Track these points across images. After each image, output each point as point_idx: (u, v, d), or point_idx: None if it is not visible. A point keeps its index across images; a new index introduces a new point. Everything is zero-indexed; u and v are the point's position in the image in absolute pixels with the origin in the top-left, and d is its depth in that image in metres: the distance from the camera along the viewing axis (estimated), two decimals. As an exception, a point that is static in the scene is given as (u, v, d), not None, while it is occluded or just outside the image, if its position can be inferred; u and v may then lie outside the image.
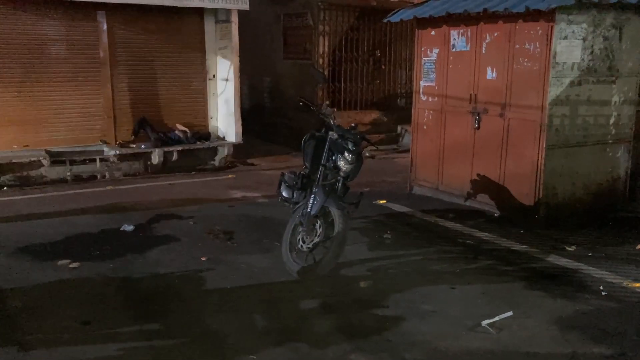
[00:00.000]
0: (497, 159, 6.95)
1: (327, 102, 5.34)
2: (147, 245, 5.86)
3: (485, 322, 4.20)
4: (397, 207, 7.31)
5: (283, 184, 5.62)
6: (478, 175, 7.21)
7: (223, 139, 10.52)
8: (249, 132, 10.78)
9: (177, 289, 4.83)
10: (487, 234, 6.27)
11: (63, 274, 5.12)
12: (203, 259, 5.49)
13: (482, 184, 7.16)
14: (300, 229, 5.09)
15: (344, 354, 3.80)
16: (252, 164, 10.39)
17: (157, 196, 7.97)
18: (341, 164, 5.07)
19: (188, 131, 10.22)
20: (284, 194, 5.63)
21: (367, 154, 5.30)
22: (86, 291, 4.79)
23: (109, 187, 8.51)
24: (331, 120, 5.26)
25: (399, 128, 11.62)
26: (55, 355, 3.77)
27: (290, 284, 4.91)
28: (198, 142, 10.18)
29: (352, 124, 5.40)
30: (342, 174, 5.10)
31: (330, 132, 5.21)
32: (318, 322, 4.29)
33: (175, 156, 9.82)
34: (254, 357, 3.75)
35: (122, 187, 8.53)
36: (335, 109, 5.73)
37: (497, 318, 4.26)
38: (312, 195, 5.07)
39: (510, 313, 4.30)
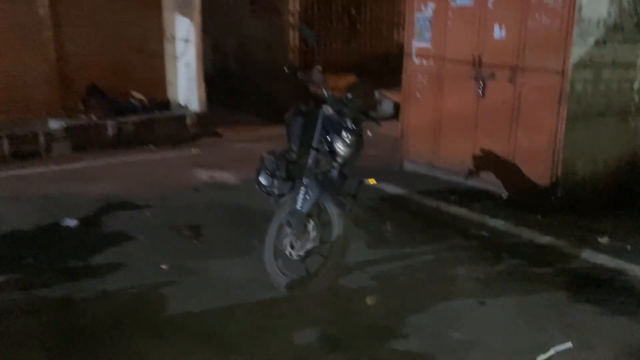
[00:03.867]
0: (506, 132, 5.79)
1: (319, 67, 4.06)
2: (94, 247, 4.52)
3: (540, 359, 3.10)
4: (389, 188, 6.10)
5: (262, 170, 4.35)
6: (482, 150, 6.04)
7: (185, 107, 9.07)
8: (213, 100, 9.32)
9: (129, 316, 3.54)
10: (500, 221, 5.13)
11: (-20, 295, 3.80)
12: (164, 267, 4.20)
13: (487, 161, 6.00)
14: (288, 231, 3.86)
15: None
16: (219, 135, 9.01)
17: (108, 178, 6.56)
18: (339, 147, 3.81)
19: (145, 99, 8.73)
20: (264, 182, 4.36)
21: (369, 133, 4.02)
22: (6, 322, 3.48)
23: (52, 167, 7.04)
24: (324, 91, 3.99)
25: (376, 93, 10.34)
26: None
27: (279, 303, 3.69)
28: (156, 112, 8.70)
29: (349, 95, 4.13)
30: (339, 159, 3.86)
31: (323, 107, 3.94)
32: (321, 365, 3.12)
33: (131, 128, 8.33)
34: None
35: (68, 167, 7.07)
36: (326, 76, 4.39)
37: (552, 351, 3.15)
38: (303, 188, 3.82)
39: (569, 345, 3.20)
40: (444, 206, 5.56)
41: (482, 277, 4.07)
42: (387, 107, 10.05)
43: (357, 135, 3.87)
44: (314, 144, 3.90)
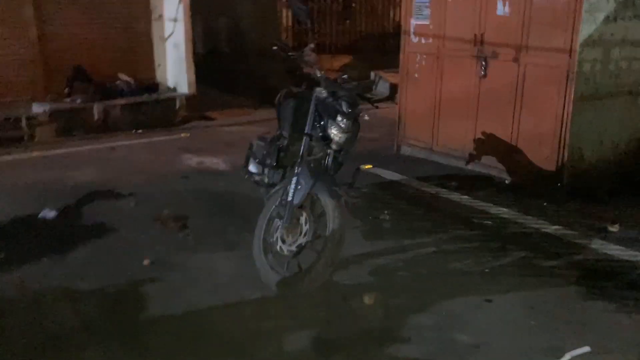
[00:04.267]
0: (509, 114, 5.46)
1: (312, 46, 3.70)
2: (72, 241, 4.18)
3: (555, 366, 2.81)
4: (387, 174, 5.78)
5: (252, 158, 4.01)
6: (484, 133, 5.71)
7: (174, 89, 8.70)
8: (204, 82, 8.95)
9: (105, 319, 3.22)
10: (504, 209, 4.83)
11: (-55, 295, 3.47)
12: (146, 262, 3.87)
13: (489, 145, 5.68)
14: (279, 224, 3.54)
15: None
16: (209, 119, 8.64)
17: (93, 164, 6.20)
18: (333, 132, 3.49)
19: (132, 81, 8.35)
20: (254, 170, 4.03)
21: (365, 117, 3.67)
22: (-27, 327, 3.17)
23: (35, 154, 6.68)
24: (317, 72, 3.64)
25: (372, 74, 9.98)
26: None
27: (268, 303, 3.37)
28: (144, 94, 8.33)
29: (344, 76, 3.79)
30: (334, 146, 3.53)
31: (317, 89, 3.59)
32: (316, 375, 2.82)
33: (117, 112, 7.97)
34: None
35: (50, 153, 6.71)
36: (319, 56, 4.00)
37: (568, 356, 2.86)
38: (294, 177, 3.48)
39: (586, 349, 2.91)
40: (445, 193, 5.24)
41: (488, 272, 3.76)
42: (383, 88, 9.73)
43: (353, 119, 3.54)
44: (307, 129, 3.55)
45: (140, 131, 7.81)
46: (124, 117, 7.98)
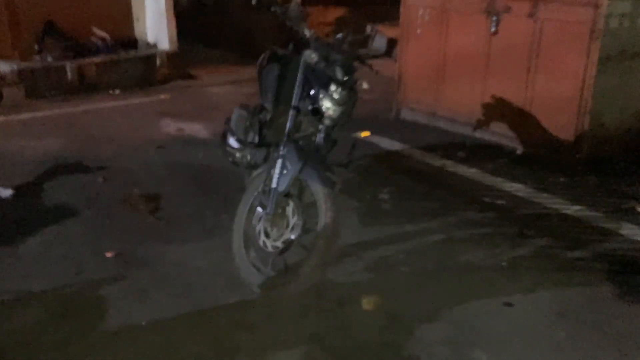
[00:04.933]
0: (523, 77, 4.80)
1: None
2: (26, 227, 3.59)
3: (595, 397, 2.28)
4: (385, 143, 5.15)
5: (229, 133, 3.37)
6: (493, 97, 5.06)
7: (153, 46, 7.92)
8: (186, 36, 8.20)
9: (54, 331, 2.66)
10: (518, 185, 4.23)
11: None
12: (109, 254, 3.29)
13: (499, 110, 5.04)
14: (262, 214, 2.94)
15: None
16: (192, 77, 7.90)
17: (63, 131, 5.55)
18: (326, 105, 2.84)
19: (108, 37, 7.58)
20: (233, 146, 3.37)
21: (364, 85, 3.03)
22: None
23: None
24: (305, 31, 2.97)
25: (368, 28, 9.19)
26: None
27: (249, 310, 2.80)
28: (122, 51, 7.58)
29: (339, 35, 3.11)
30: (326, 121, 2.89)
31: (305, 52, 2.93)
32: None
33: (93, 70, 7.23)
34: None
35: (17, 118, 6.03)
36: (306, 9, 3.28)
37: (609, 382, 2.34)
38: (279, 159, 2.87)
39: (632, 374, 2.38)
40: (451, 166, 4.63)
41: (506, 266, 3.20)
42: (379, 43, 8.97)
43: (349, 88, 2.90)
44: (294, 101, 2.92)
45: (117, 92, 7.11)
46: (100, 76, 7.25)
